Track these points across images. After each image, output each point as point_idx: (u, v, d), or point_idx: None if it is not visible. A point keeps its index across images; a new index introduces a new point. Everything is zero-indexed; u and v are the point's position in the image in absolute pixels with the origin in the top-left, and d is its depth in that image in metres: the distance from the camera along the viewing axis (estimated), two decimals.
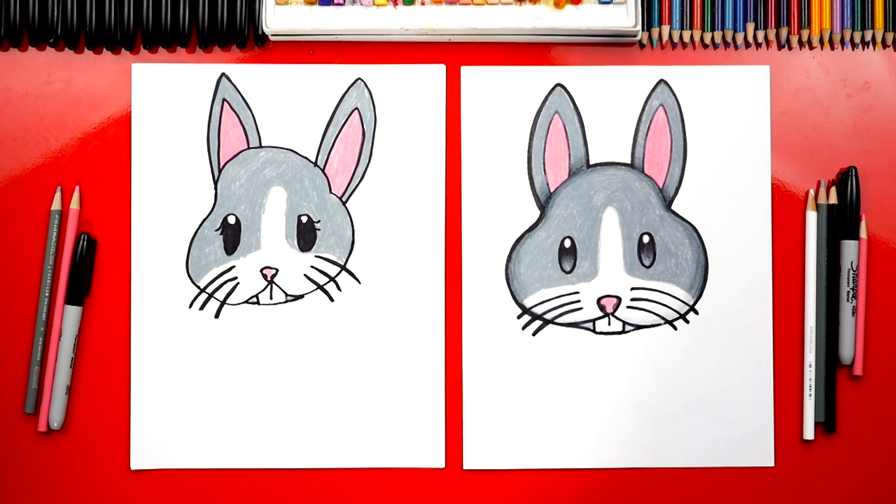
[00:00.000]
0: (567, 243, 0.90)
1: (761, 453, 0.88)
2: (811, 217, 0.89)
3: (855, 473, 0.89)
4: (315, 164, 0.90)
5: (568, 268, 0.89)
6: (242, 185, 0.90)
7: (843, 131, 0.91)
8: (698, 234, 0.90)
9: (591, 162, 0.90)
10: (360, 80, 0.91)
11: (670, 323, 0.89)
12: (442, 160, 0.90)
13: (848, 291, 0.88)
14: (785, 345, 0.89)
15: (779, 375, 0.89)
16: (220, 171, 0.90)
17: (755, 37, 0.91)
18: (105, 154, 0.91)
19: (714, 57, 0.91)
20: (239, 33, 0.90)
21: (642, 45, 0.91)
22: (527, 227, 0.90)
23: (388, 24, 0.89)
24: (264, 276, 0.90)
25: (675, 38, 0.91)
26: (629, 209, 0.90)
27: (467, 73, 0.91)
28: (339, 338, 0.89)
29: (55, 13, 0.90)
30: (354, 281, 0.90)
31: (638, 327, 0.89)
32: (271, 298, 0.90)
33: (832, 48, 0.91)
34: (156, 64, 0.91)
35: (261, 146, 0.91)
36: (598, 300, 0.89)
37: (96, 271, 0.90)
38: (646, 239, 0.89)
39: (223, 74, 0.91)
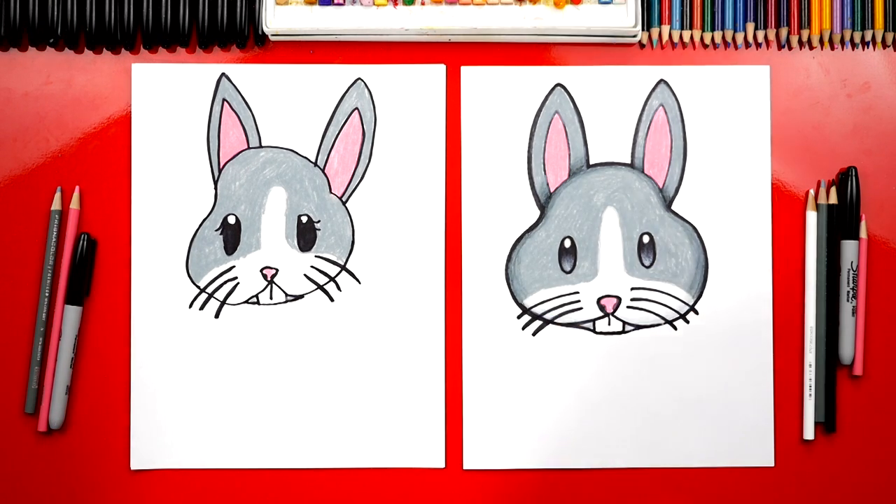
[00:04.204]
0: (567, 243, 0.90)
1: (761, 453, 0.88)
2: (811, 217, 0.89)
3: (855, 473, 0.89)
4: (315, 164, 0.90)
5: (568, 268, 0.89)
6: (242, 185, 0.90)
7: (843, 131, 0.91)
8: (698, 234, 0.90)
9: (591, 162, 0.90)
10: (360, 80, 0.91)
11: (670, 323, 0.89)
12: (442, 160, 0.90)
13: (848, 291, 0.88)
14: (785, 345, 0.89)
15: (779, 375, 0.89)
16: (220, 171, 0.90)
17: (755, 37, 0.91)
18: (105, 154, 0.91)
19: (714, 57, 0.91)
20: (239, 33, 0.90)
21: (642, 45, 0.91)
22: (527, 227, 0.90)
23: (388, 24, 0.89)
24: (264, 276, 0.90)
25: (675, 38, 0.91)
26: (629, 209, 0.90)
27: (467, 73, 0.91)
28: (339, 338, 0.89)
29: (55, 13, 0.90)
30: (354, 281, 0.90)
31: (638, 327, 0.89)
32: (271, 298, 0.90)
33: (832, 48, 0.91)
34: (156, 64, 0.91)
35: (261, 146, 0.91)
36: (598, 300, 0.89)
37: (96, 271, 0.90)
38: (646, 239, 0.89)
39: (223, 74, 0.91)
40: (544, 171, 0.90)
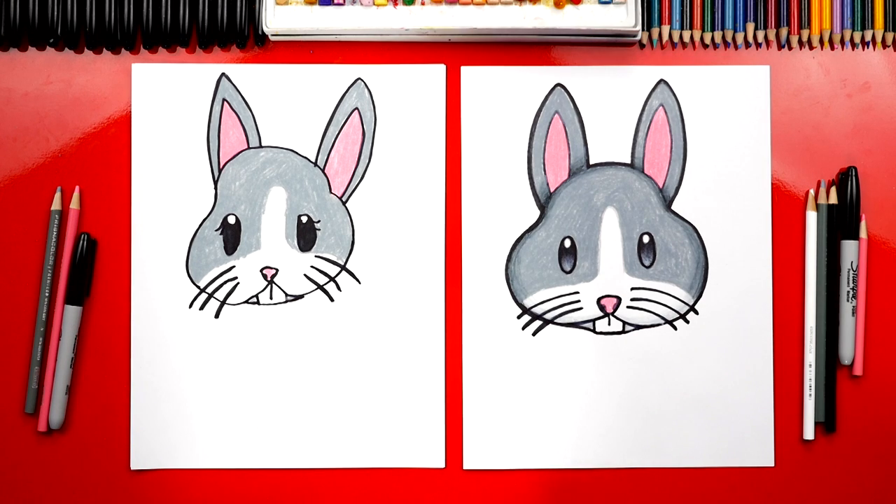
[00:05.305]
0: (567, 243, 0.90)
1: (761, 453, 0.88)
2: (811, 217, 0.89)
3: (855, 473, 0.89)
4: (315, 164, 0.90)
5: (568, 268, 0.89)
6: (242, 185, 0.90)
7: (843, 131, 0.91)
8: (698, 234, 0.90)
9: (591, 162, 0.90)
10: (360, 80, 0.91)
11: (670, 323, 0.89)
12: (442, 160, 0.90)
13: (848, 291, 0.88)
14: (785, 345, 0.89)
15: (779, 375, 0.89)
16: (220, 171, 0.90)
17: (755, 37, 0.91)
18: (105, 154, 0.91)
19: (714, 57, 0.91)
20: (239, 33, 0.90)
21: (642, 45, 0.91)
22: (527, 227, 0.90)
23: (388, 24, 0.89)
24: (264, 276, 0.90)
25: (675, 38, 0.91)
26: (629, 209, 0.90)
27: (467, 73, 0.91)
28: (339, 338, 0.89)
29: (55, 13, 0.90)
30: (354, 281, 0.90)
31: (638, 327, 0.89)
32: (271, 298, 0.90)
33: (832, 48, 0.91)
34: (156, 64, 0.91)
35: (261, 146, 0.91)
36: (598, 300, 0.89)
37: (96, 271, 0.90)
38: (646, 239, 0.89)
39: (223, 74, 0.91)
40: (544, 171, 0.90)
